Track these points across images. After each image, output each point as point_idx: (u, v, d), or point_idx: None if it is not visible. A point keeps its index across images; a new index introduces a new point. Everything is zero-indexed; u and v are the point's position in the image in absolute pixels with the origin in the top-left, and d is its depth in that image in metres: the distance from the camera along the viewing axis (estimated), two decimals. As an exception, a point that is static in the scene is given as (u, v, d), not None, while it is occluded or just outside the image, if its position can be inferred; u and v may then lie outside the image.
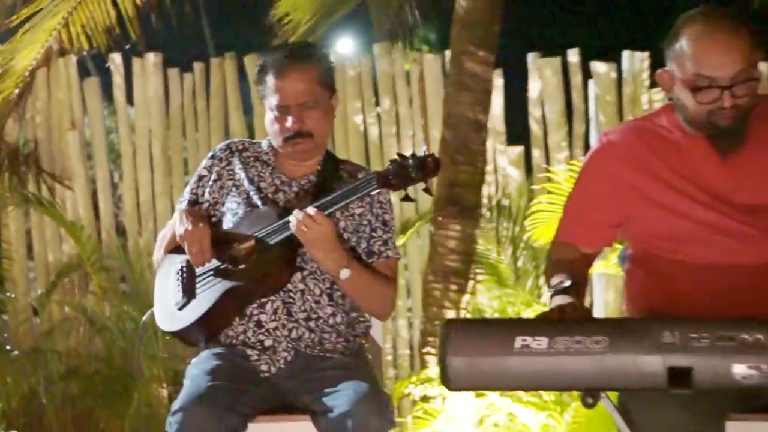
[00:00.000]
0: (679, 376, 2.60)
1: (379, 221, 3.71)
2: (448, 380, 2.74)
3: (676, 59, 3.16)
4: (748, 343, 2.57)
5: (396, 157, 3.46)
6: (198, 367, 3.62)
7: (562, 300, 2.90)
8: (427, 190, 3.52)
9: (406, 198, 3.45)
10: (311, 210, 3.47)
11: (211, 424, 3.39)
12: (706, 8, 3.18)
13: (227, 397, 3.47)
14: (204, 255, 3.59)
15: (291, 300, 3.65)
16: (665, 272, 3.28)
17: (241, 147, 3.83)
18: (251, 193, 3.72)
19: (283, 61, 3.66)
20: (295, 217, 3.49)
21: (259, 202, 3.69)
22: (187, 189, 3.83)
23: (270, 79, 3.65)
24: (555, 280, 3.07)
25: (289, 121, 3.63)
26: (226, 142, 3.88)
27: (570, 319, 2.81)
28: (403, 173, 3.42)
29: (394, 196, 3.64)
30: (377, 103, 6.41)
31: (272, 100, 3.64)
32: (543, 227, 5.17)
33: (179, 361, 5.76)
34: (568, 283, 2.98)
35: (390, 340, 6.26)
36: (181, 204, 3.79)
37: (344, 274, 3.54)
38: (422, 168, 3.41)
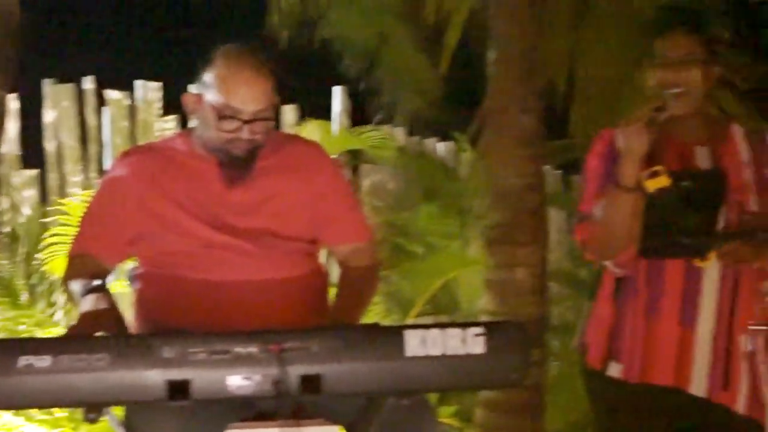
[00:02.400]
0: (177, 389, 2.58)
1: None
2: (-51, 402, 2.58)
3: (208, 86, 3.20)
4: (242, 355, 2.59)
5: None
6: None
7: (94, 301, 2.85)
8: None
9: None
10: None
11: None
12: (239, 46, 3.25)
13: None
14: None
15: None
16: (173, 290, 3.25)
17: None
18: None
19: None
20: None
21: None
22: None
23: None
24: (78, 285, 3.00)
25: None
26: None
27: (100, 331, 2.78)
28: None
29: None
30: None
31: None
32: (59, 257, 5.07)
33: None
34: (97, 282, 2.93)
35: None
36: None
37: None
38: None
